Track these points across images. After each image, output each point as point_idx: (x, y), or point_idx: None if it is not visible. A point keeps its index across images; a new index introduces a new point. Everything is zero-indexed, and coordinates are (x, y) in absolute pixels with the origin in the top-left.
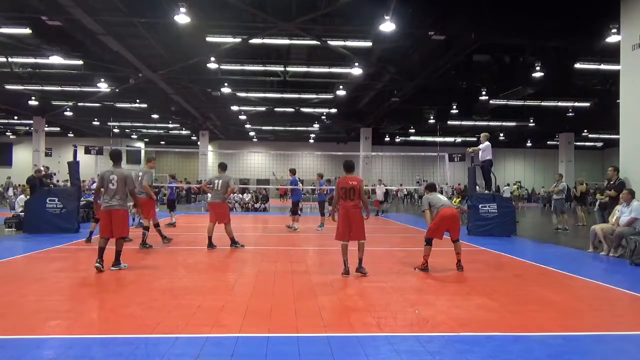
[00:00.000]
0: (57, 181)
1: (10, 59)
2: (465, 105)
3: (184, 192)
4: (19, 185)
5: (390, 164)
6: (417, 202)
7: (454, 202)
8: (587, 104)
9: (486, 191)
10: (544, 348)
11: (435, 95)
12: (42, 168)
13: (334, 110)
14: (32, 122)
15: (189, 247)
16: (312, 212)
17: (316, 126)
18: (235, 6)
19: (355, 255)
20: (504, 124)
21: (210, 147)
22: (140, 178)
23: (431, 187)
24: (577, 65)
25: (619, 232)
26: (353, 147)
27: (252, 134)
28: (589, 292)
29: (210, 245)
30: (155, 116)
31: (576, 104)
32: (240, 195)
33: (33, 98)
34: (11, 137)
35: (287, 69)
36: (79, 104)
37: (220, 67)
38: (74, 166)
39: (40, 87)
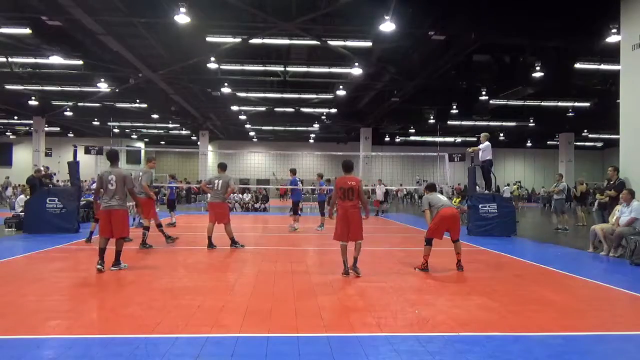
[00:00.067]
0: (57, 181)
1: (10, 59)
2: (465, 105)
3: (184, 192)
4: (19, 185)
5: (390, 164)
6: (417, 202)
7: (454, 202)
8: (587, 104)
9: (486, 191)
10: (544, 348)
11: (435, 95)
12: (42, 168)
13: (334, 110)
14: (32, 122)
15: (189, 247)
16: (312, 212)
17: (316, 126)
18: (235, 6)
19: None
20: (504, 124)
21: (210, 147)
22: (140, 178)
23: (431, 187)
24: (577, 65)
25: (619, 232)
26: (353, 147)
27: (252, 134)
28: (589, 292)
29: (210, 245)
30: (155, 116)
31: (576, 104)
32: (240, 195)
33: (33, 98)
34: (11, 137)
35: (287, 69)
36: (79, 104)
37: (220, 67)
38: (74, 166)
39: (40, 87)
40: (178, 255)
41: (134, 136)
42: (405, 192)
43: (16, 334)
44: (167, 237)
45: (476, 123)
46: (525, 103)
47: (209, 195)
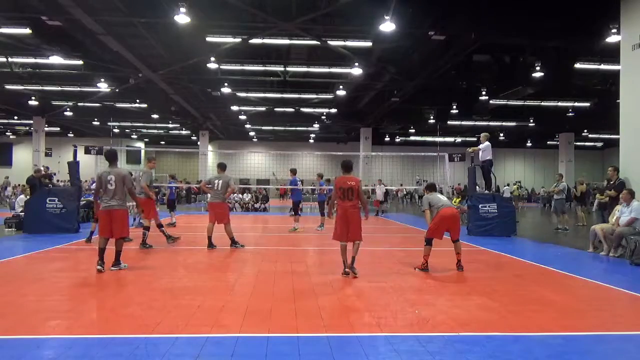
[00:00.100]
0: (57, 181)
1: (10, 59)
2: (465, 105)
3: (184, 192)
4: (18, 185)
5: (390, 164)
6: (417, 202)
7: (454, 202)
8: (587, 104)
9: (486, 191)
10: (544, 348)
11: (435, 95)
12: (42, 168)
13: (334, 110)
14: (32, 122)
15: (189, 247)
16: (312, 212)
17: (316, 126)
18: (235, 6)
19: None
20: (504, 124)
21: (210, 147)
22: (139, 178)
23: (431, 187)
24: (577, 65)
25: (619, 232)
26: (353, 147)
27: (252, 134)
28: (589, 292)
29: (210, 245)
30: (155, 116)
31: (576, 104)
32: (240, 195)
33: (33, 98)
34: (11, 137)
35: (287, 69)
36: (79, 104)
37: (220, 67)
38: (74, 166)
39: (40, 87)
40: (178, 255)
41: (134, 136)
42: (405, 192)
43: (16, 334)
44: (168, 237)
45: (476, 123)
46: (525, 103)
47: (209, 195)
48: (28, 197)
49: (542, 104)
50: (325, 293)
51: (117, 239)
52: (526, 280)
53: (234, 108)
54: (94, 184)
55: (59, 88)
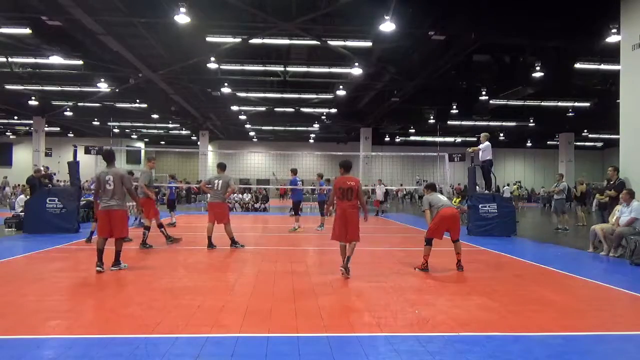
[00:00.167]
0: (58, 181)
1: (10, 59)
2: (465, 105)
3: (184, 192)
4: (18, 185)
5: (390, 164)
6: (417, 202)
7: (454, 202)
8: (587, 104)
9: (486, 191)
10: (544, 348)
11: (435, 95)
12: (41, 168)
13: (334, 110)
14: (32, 122)
15: (189, 247)
16: (312, 212)
17: (316, 126)
18: (235, 6)
19: (354, 255)
20: (504, 124)
21: (210, 147)
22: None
23: (431, 187)
24: (577, 65)
25: (619, 232)
26: (353, 147)
27: (252, 134)
28: (589, 292)
29: (210, 245)
30: (155, 116)
31: (576, 104)
32: (240, 195)
33: (33, 98)
34: (11, 137)
35: (287, 69)
36: (79, 104)
37: (220, 67)
38: (74, 166)
39: (40, 87)
40: (178, 255)
41: (134, 136)
42: (405, 192)
43: (16, 334)
44: (168, 237)
45: (476, 123)
46: (525, 103)
47: (208, 195)
48: (28, 197)
49: (542, 104)
50: (325, 293)
51: (117, 239)
52: (526, 280)
53: (234, 108)
54: (94, 184)
55: (59, 88)
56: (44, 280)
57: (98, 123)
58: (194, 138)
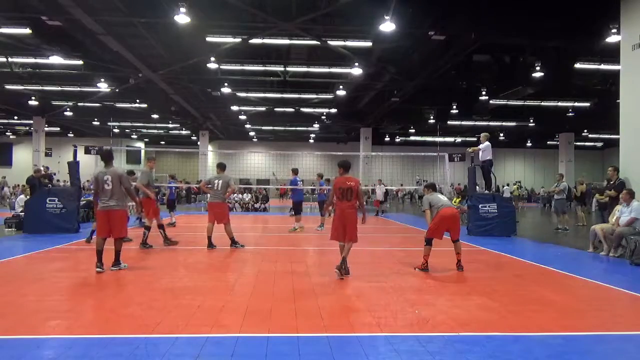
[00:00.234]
0: (58, 181)
1: (10, 59)
2: (465, 105)
3: (184, 192)
4: (18, 185)
5: (390, 164)
6: (417, 202)
7: (454, 202)
8: (587, 104)
9: (486, 191)
10: (544, 348)
11: (435, 95)
12: (41, 168)
13: (334, 110)
14: (32, 122)
15: (189, 247)
16: (312, 212)
17: (316, 126)
18: (235, 6)
19: (354, 255)
20: (504, 124)
21: (210, 147)
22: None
23: (431, 187)
24: (577, 65)
25: (619, 232)
26: (353, 147)
27: (252, 134)
28: (589, 292)
29: (210, 245)
30: (155, 116)
31: (576, 104)
32: (240, 195)
33: (33, 98)
34: (11, 137)
35: (287, 69)
36: (79, 104)
37: (220, 67)
38: (74, 166)
39: (40, 87)
40: (178, 255)
41: (134, 136)
42: (405, 192)
43: (16, 334)
44: (166, 239)
45: (476, 123)
46: (525, 103)
47: (208, 195)
48: (28, 197)
49: (542, 104)
50: (325, 293)
51: (116, 239)
52: (526, 280)
53: (234, 108)
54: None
55: (59, 88)
56: (44, 280)
57: (98, 123)
58: (194, 138)
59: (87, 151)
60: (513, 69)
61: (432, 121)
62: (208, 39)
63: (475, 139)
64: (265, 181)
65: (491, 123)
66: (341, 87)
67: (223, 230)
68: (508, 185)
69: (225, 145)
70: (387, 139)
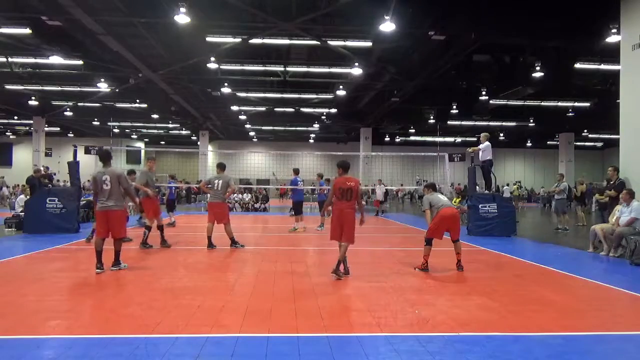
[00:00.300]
0: (58, 181)
1: (10, 59)
2: (465, 105)
3: (184, 192)
4: (18, 185)
5: (390, 164)
6: (417, 202)
7: (454, 202)
8: (587, 104)
9: (486, 191)
10: (544, 348)
11: (435, 95)
12: (41, 168)
13: (334, 110)
14: (32, 122)
15: (189, 247)
16: (312, 212)
17: (316, 126)
18: (235, 6)
19: (354, 255)
20: (504, 124)
21: (210, 147)
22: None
23: (431, 187)
24: (577, 65)
25: (619, 232)
26: (353, 147)
27: (252, 134)
28: (589, 292)
29: (210, 245)
30: (155, 116)
31: (576, 104)
32: (240, 195)
33: (33, 98)
34: (11, 137)
35: (287, 69)
36: (79, 104)
37: (220, 67)
38: (74, 166)
39: (40, 87)
40: (178, 255)
41: (134, 136)
42: (405, 192)
43: (16, 334)
44: (163, 240)
45: (476, 123)
46: (525, 103)
47: (208, 195)
48: (28, 197)
49: (542, 104)
50: (325, 293)
51: (116, 239)
52: (526, 280)
53: (234, 108)
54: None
55: (59, 88)
56: (44, 280)
57: (98, 123)
58: (194, 138)
59: (87, 151)
60: (513, 69)
61: (432, 121)
62: (208, 39)
63: (475, 139)
64: (265, 181)
65: (491, 123)
66: (341, 87)
67: (223, 230)
68: (508, 185)
69: (225, 145)
70: (387, 139)
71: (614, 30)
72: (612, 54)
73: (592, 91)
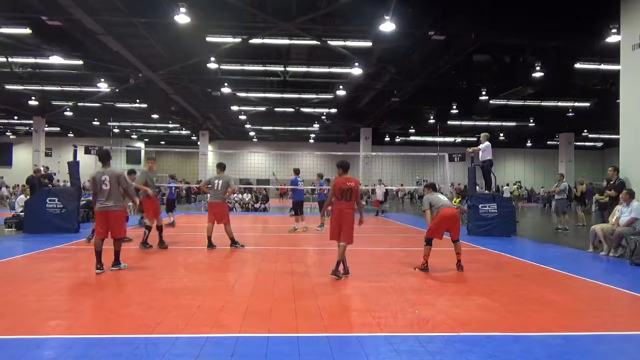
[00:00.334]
0: (58, 181)
1: (10, 59)
2: (465, 105)
3: (184, 192)
4: (18, 185)
5: (390, 164)
6: (417, 202)
7: (454, 202)
8: (587, 104)
9: (486, 191)
10: (544, 348)
11: (435, 95)
12: (41, 168)
13: (334, 110)
14: (32, 122)
15: (189, 247)
16: (312, 212)
17: (316, 126)
18: (235, 6)
19: (354, 255)
20: (504, 124)
21: (210, 147)
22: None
23: (431, 187)
24: (577, 65)
25: (619, 232)
26: (353, 147)
27: (252, 134)
28: (589, 292)
29: (210, 245)
30: (155, 116)
31: (576, 104)
32: (240, 195)
33: (33, 98)
34: (11, 137)
35: (287, 69)
36: (79, 104)
37: (220, 67)
38: (74, 166)
39: (40, 87)
40: (178, 255)
41: (134, 136)
42: (405, 192)
43: (16, 334)
44: (161, 241)
45: (476, 123)
46: (525, 103)
47: (209, 195)
48: (28, 197)
49: (542, 104)
50: (325, 293)
51: (115, 239)
52: (526, 280)
53: (234, 108)
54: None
55: (59, 88)
56: (44, 280)
57: (98, 123)
58: (194, 138)
59: (87, 151)
60: (513, 69)
61: (432, 121)
62: (208, 39)
63: (475, 139)
64: (265, 181)
65: (491, 123)
66: (341, 87)
67: (223, 230)
68: (508, 185)
69: (225, 145)
70: (387, 139)
71: (614, 30)
72: (612, 54)
73: (592, 91)
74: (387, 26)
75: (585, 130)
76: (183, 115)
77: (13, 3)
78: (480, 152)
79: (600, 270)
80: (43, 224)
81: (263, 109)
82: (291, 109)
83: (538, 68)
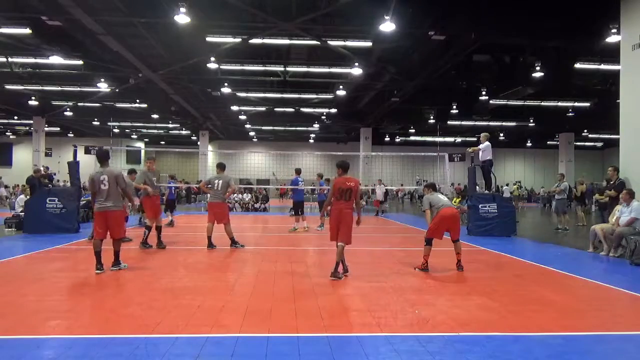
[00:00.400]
0: (58, 181)
1: (10, 59)
2: (465, 105)
3: (184, 192)
4: (17, 185)
5: (390, 164)
6: (417, 202)
7: (454, 202)
8: (587, 104)
9: (486, 191)
10: (544, 348)
11: (435, 95)
12: (41, 168)
13: (334, 110)
14: (32, 122)
15: (189, 247)
16: (312, 212)
17: (316, 126)
18: (235, 6)
19: (354, 255)
20: (504, 124)
21: (210, 147)
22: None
23: (431, 187)
24: (577, 65)
25: (619, 232)
26: (353, 147)
27: (252, 134)
28: (589, 292)
29: (210, 245)
30: (155, 116)
31: (576, 104)
32: (240, 195)
33: (33, 98)
34: (11, 137)
35: (287, 69)
36: (79, 104)
37: (220, 67)
38: (74, 166)
39: (40, 87)
40: (178, 255)
41: (134, 136)
42: (405, 192)
43: (16, 334)
44: (160, 242)
45: (476, 123)
46: (525, 103)
47: (209, 195)
48: (28, 197)
49: (542, 104)
50: (325, 293)
51: (115, 239)
52: (526, 280)
53: (234, 108)
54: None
55: (59, 88)
56: (44, 280)
57: (98, 123)
58: (194, 138)
59: (87, 151)
60: (513, 69)
61: (432, 121)
62: (208, 39)
63: (475, 139)
64: (265, 181)
65: (491, 123)
66: (341, 87)
67: (223, 230)
68: (508, 185)
69: (225, 145)
70: (387, 139)
71: (614, 30)
72: (612, 54)
73: (592, 91)
74: (387, 26)
75: (585, 130)
76: (183, 115)
77: (13, 3)
78: (480, 152)
79: (600, 270)
80: (43, 224)
81: (263, 109)
82: (291, 109)
83: (538, 68)
